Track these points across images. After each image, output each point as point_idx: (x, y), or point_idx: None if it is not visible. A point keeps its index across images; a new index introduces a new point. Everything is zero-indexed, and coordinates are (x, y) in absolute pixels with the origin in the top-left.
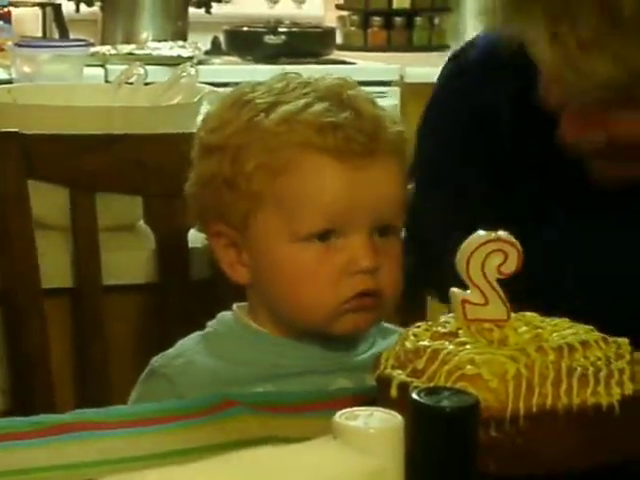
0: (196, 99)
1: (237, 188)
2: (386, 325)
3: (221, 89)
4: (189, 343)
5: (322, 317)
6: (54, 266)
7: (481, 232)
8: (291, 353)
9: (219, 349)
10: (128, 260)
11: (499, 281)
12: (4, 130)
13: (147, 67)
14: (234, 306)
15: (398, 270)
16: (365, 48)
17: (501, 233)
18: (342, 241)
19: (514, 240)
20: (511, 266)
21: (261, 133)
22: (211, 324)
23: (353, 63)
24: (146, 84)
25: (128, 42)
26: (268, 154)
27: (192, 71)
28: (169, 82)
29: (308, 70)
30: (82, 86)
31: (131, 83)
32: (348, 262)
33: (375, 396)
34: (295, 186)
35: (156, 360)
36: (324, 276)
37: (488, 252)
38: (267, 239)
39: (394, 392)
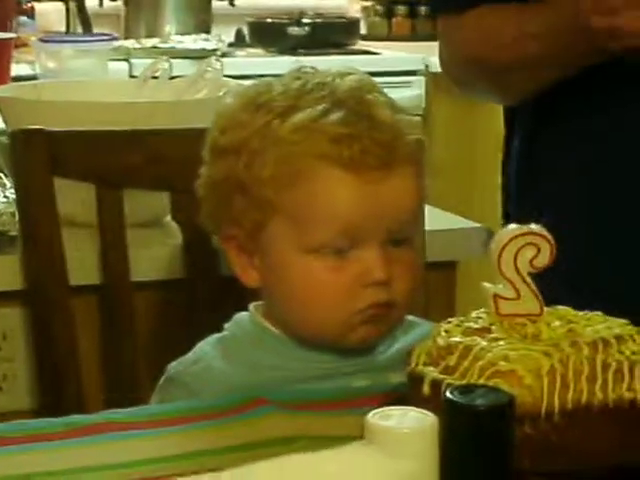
0: (221, 93)
1: (250, 194)
2: (408, 318)
3: (247, 82)
4: (206, 347)
5: (334, 330)
6: (81, 263)
7: (512, 225)
8: (309, 357)
9: (236, 354)
10: (155, 256)
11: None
12: (29, 127)
13: (171, 61)
14: (250, 306)
15: (411, 280)
16: (389, 38)
17: (533, 226)
18: (355, 252)
19: (546, 233)
20: (543, 260)
21: (276, 140)
22: (228, 326)
23: (378, 53)
24: (171, 78)
25: (151, 36)
26: (282, 164)
27: (217, 65)
28: (194, 76)
29: (333, 61)
30: (107, 81)
31: (156, 77)
32: (361, 274)
33: (404, 393)
34: (308, 198)
35: (173, 367)
36: (336, 288)
37: (520, 246)
38: (278, 249)
39: (427, 389)
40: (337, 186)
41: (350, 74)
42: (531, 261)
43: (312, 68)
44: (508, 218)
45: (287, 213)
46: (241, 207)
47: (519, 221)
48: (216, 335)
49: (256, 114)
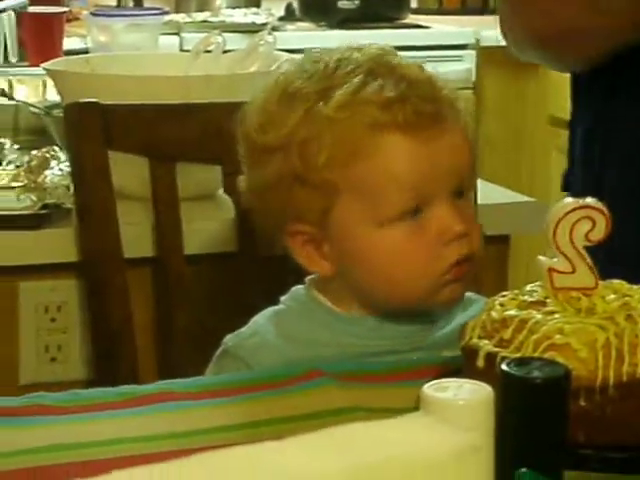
0: (274, 67)
1: (310, 183)
2: (466, 294)
3: (297, 56)
4: (262, 321)
5: (421, 294)
6: (136, 236)
7: (568, 199)
8: (365, 333)
9: (292, 328)
10: (208, 230)
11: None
12: (84, 100)
13: (223, 35)
14: (306, 280)
15: (480, 231)
16: (440, 11)
17: (589, 200)
18: (428, 213)
19: (602, 207)
20: (599, 233)
21: (324, 123)
22: (284, 300)
23: (428, 27)
24: (223, 52)
25: (202, 10)
26: (337, 143)
27: (270, 39)
28: (247, 50)
29: (383, 35)
30: (159, 55)
31: (209, 51)
32: (441, 232)
33: (458, 366)
34: (371, 170)
35: (230, 339)
36: (420, 252)
37: (576, 219)
38: (351, 228)
39: (481, 362)
40: (397, 151)
41: (365, 46)
42: (587, 235)
43: (322, 49)
44: (568, 189)
45: (353, 191)
46: (303, 199)
47: (578, 195)
48: (273, 308)
49: (292, 105)
